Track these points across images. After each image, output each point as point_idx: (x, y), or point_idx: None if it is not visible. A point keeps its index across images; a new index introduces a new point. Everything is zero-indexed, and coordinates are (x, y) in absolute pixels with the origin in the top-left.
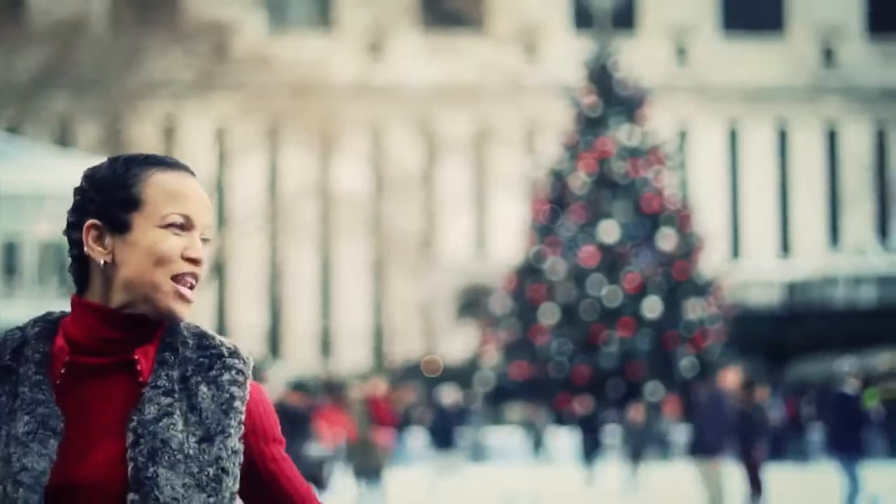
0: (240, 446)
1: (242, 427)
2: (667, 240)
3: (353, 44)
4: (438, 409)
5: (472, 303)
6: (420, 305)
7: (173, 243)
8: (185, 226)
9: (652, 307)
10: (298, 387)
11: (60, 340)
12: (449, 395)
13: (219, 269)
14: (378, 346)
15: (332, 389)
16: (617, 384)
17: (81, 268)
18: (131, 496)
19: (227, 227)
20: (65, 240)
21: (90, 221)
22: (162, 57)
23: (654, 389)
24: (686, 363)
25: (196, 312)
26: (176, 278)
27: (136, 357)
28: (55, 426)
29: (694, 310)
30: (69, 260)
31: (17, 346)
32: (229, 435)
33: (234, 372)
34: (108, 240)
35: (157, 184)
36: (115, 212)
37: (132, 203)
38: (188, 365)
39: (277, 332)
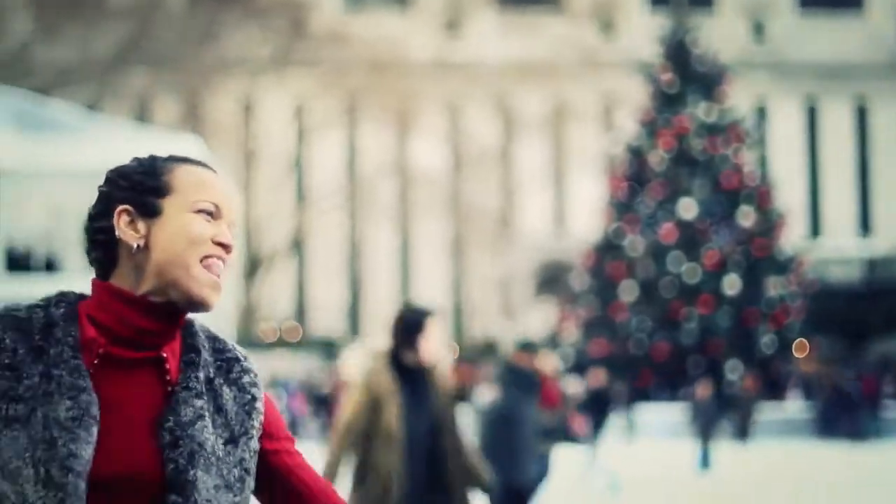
0: (257, 446)
1: (261, 427)
2: (746, 217)
3: (430, 21)
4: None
5: (550, 280)
6: (498, 283)
7: (204, 227)
8: (214, 214)
9: (732, 284)
10: (526, 346)
11: (90, 326)
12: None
13: (298, 247)
14: (457, 324)
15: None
16: (697, 361)
17: (106, 254)
18: (173, 497)
19: (306, 205)
20: None
21: (121, 207)
22: (239, 33)
23: (733, 366)
24: (766, 340)
25: (276, 290)
26: (205, 261)
27: (165, 355)
28: (95, 415)
29: (774, 287)
30: (91, 248)
31: (43, 326)
32: (252, 436)
33: (252, 375)
34: (140, 224)
35: (185, 173)
36: (146, 197)
37: (163, 189)
38: (209, 367)
39: (356, 310)
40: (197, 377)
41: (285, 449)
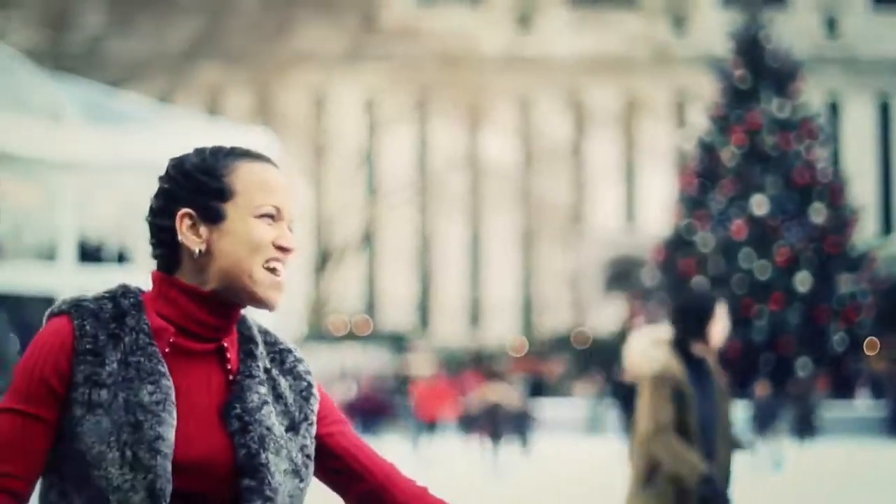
0: (315, 432)
1: (317, 414)
2: (818, 213)
3: (501, 16)
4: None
5: (621, 275)
6: (569, 278)
7: (266, 232)
8: (276, 216)
9: (803, 281)
10: None
11: (156, 317)
12: None
13: (368, 240)
14: (526, 319)
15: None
16: (767, 359)
17: (171, 253)
18: (246, 482)
19: (376, 198)
20: None
21: (183, 210)
22: (311, 28)
23: (804, 364)
24: (837, 338)
25: (346, 283)
26: (267, 263)
27: (226, 346)
28: (174, 401)
29: (845, 284)
30: (155, 245)
31: (114, 315)
32: (311, 423)
33: (305, 364)
34: (202, 229)
35: (247, 174)
36: (208, 201)
37: (225, 193)
38: (267, 358)
39: (426, 303)
40: (257, 366)
41: (339, 431)
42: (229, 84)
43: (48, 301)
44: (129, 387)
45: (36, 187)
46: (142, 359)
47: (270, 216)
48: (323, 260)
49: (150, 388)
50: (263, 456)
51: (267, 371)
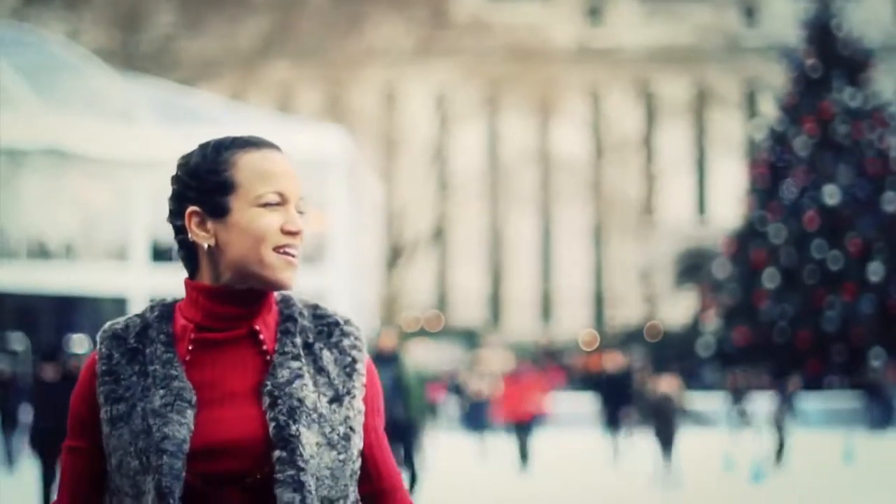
0: (362, 406)
1: (364, 389)
2: (891, 203)
3: (571, 9)
4: None
5: (692, 267)
6: (640, 270)
7: (271, 220)
8: (280, 202)
9: (875, 271)
10: None
11: (181, 321)
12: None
13: (439, 235)
14: (598, 312)
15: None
16: (840, 349)
17: (189, 252)
18: (277, 453)
19: (447, 193)
20: None
21: (191, 209)
22: (381, 24)
23: (877, 354)
24: None
25: (418, 279)
26: (277, 249)
27: (258, 328)
28: (189, 398)
29: None
30: (177, 246)
31: (139, 330)
32: (355, 396)
33: (353, 338)
34: (209, 224)
35: (247, 165)
36: (213, 197)
37: (227, 187)
38: (308, 333)
39: (497, 298)
40: (293, 342)
41: (371, 425)
42: (300, 81)
43: (121, 302)
44: (145, 396)
45: (108, 187)
46: (157, 367)
47: (275, 203)
48: (394, 256)
49: (161, 392)
50: (294, 427)
51: (309, 346)
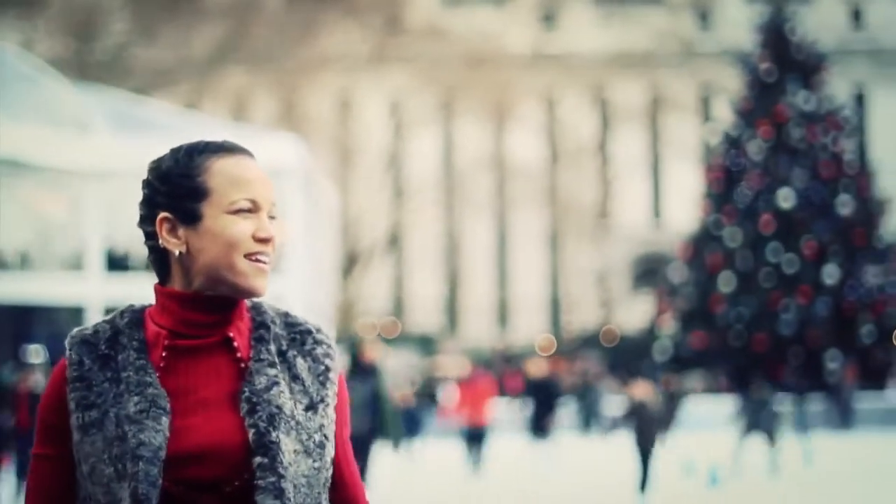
0: (334, 415)
1: (336, 398)
2: (845, 205)
3: (525, 14)
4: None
5: (648, 272)
6: (596, 275)
7: (243, 227)
8: (252, 209)
9: (830, 274)
10: None
11: (153, 328)
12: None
13: (395, 241)
14: (555, 317)
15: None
16: (796, 352)
17: (160, 257)
18: (258, 460)
19: (403, 200)
20: None
21: (162, 215)
22: (336, 30)
23: (833, 357)
24: (865, 330)
25: (374, 286)
26: (249, 257)
27: (231, 335)
28: (164, 405)
29: (874, 276)
30: (147, 251)
31: (110, 336)
32: (328, 404)
33: (325, 347)
34: (181, 231)
35: (220, 171)
36: (184, 203)
37: (200, 193)
38: (281, 340)
39: (454, 304)
40: (268, 350)
41: (339, 434)
42: (255, 89)
43: (77, 311)
44: (118, 402)
45: (63, 197)
46: (131, 373)
47: (247, 210)
48: (350, 263)
49: (135, 398)
50: (274, 434)
51: (282, 353)
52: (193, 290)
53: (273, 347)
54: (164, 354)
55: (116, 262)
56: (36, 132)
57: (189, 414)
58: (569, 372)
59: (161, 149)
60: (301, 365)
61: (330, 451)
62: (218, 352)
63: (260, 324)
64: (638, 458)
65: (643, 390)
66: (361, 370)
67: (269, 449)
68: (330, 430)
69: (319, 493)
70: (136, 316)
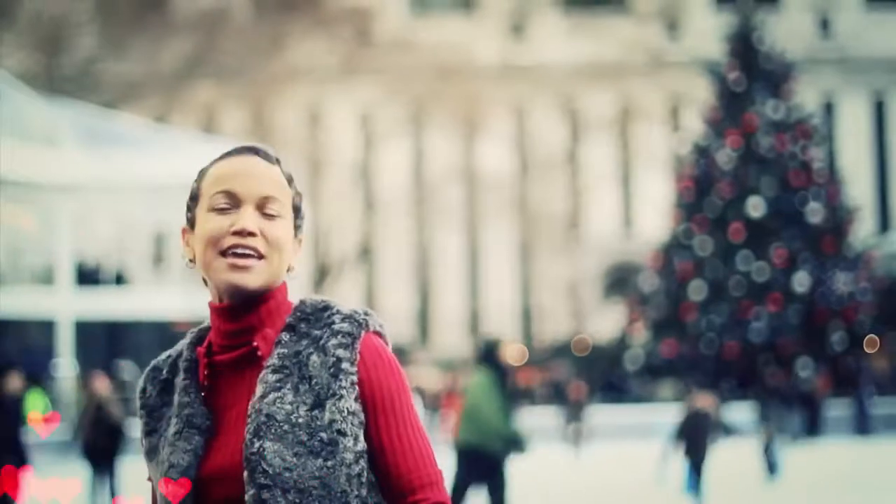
0: (356, 406)
1: (356, 388)
2: (815, 214)
3: (495, 25)
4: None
5: (619, 281)
6: (567, 285)
7: (219, 222)
8: (233, 203)
9: (801, 282)
10: None
11: (203, 346)
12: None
13: (366, 253)
14: (526, 327)
15: None
16: (767, 359)
17: None
18: (245, 474)
19: (374, 212)
20: None
21: (182, 227)
22: (305, 43)
23: (804, 364)
24: (836, 337)
25: (345, 297)
26: (225, 253)
27: (256, 344)
28: (200, 424)
29: (844, 283)
30: None
31: (173, 360)
32: (341, 397)
33: (340, 336)
34: (190, 238)
35: (210, 175)
36: (188, 213)
37: (194, 199)
38: (305, 339)
39: (426, 315)
40: (281, 353)
41: (376, 424)
42: (224, 101)
43: (48, 325)
44: (168, 425)
45: (32, 211)
46: (178, 395)
47: (225, 205)
48: (321, 274)
49: (174, 420)
50: (257, 445)
51: (298, 353)
52: (220, 300)
53: (289, 350)
54: (206, 372)
55: (87, 276)
56: (5, 146)
57: (229, 431)
58: (542, 381)
59: (130, 162)
60: (314, 362)
61: (350, 447)
62: (248, 364)
63: (287, 325)
64: (687, 468)
65: (706, 401)
66: None
67: (249, 461)
68: (347, 425)
69: (345, 491)
70: (200, 333)
